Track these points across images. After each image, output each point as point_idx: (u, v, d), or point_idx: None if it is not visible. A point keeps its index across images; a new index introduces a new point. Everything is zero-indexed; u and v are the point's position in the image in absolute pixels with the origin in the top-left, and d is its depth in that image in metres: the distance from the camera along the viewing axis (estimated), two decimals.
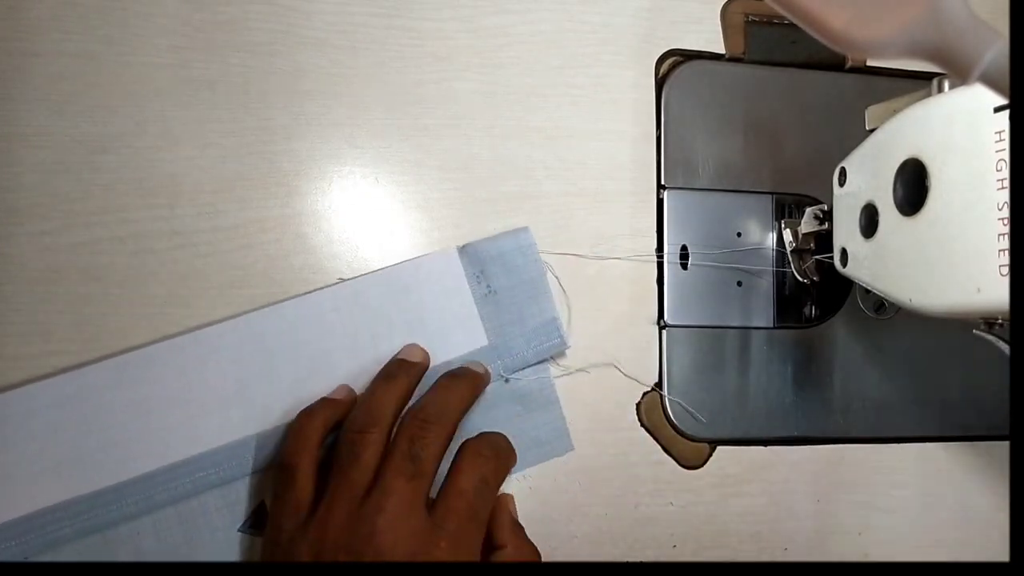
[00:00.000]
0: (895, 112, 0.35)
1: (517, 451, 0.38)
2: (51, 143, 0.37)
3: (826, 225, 0.41)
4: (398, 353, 0.38)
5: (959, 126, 0.31)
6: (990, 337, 0.32)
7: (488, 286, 0.39)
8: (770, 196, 0.45)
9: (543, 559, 0.39)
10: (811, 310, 0.45)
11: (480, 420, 0.39)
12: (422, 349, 0.38)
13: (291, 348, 0.37)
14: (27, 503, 0.34)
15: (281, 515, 0.33)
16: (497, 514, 0.36)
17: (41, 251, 0.37)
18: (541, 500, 0.40)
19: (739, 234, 0.44)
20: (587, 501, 0.40)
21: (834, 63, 0.46)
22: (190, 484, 0.36)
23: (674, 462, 0.42)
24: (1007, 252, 0.28)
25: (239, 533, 0.36)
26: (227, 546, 0.36)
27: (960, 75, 0.20)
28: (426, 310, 0.39)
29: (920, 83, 0.34)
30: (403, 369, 0.37)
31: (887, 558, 0.43)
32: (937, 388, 0.45)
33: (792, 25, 0.20)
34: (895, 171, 0.34)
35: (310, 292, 0.38)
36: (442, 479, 0.34)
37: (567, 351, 0.41)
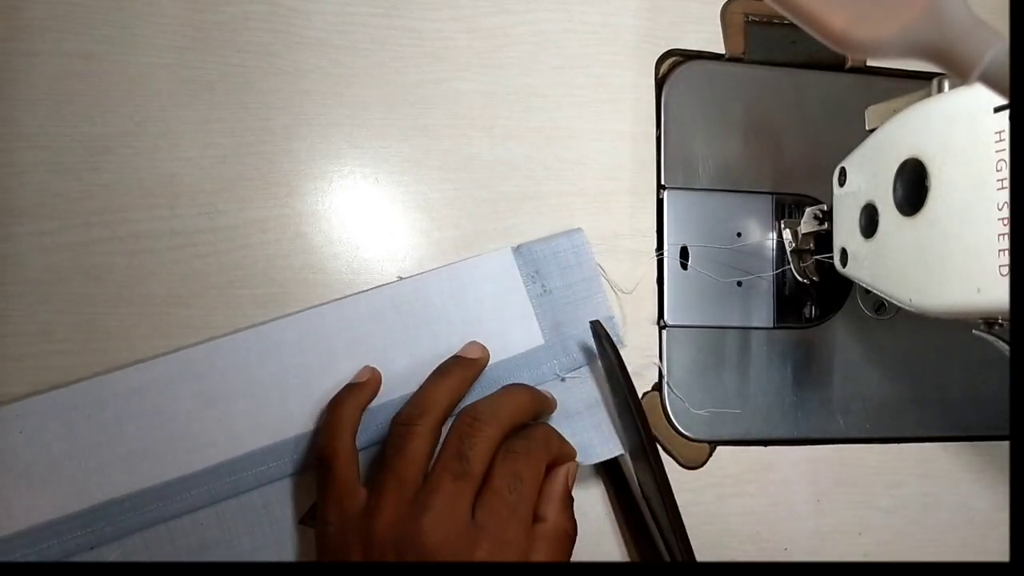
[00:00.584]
0: (895, 112, 0.35)
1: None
2: (51, 143, 0.37)
3: (826, 225, 0.41)
4: (459, 351, 0.38)
5: (959, 126, 0.31)
6: (990, 337, 0.32)
7: (543, 286, 0.40)
8: (770, 196, 0.45)
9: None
10: (811, 310, 0.45)
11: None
12: (481, 347, 0.38)
13: (351, 344, 0.38)
14: (96, 493, 0.35)
15: (326, 508, 0.33)
16: (548, 486, 0.35)
17: (41, 251, 0.37)
18: None
19: (739, 234, 0.44)
20: (587, 501, 0.40)
21: (834, 63, 0.46)
22: (252, 477, 0.36)
23: (674, 462, 0.42)
24: (1007, 252, 0.28)
25: (300, 526, 0.37)
26: (288, 538, 0.37)
27: (960, 75, 0.20)
28: (483, 309, 0.39)
29: (920, 83, 0.34)
30: (459, 364, 0.37)
31: (887, 558, 0.43)
32: (937, 388, 0.45)
33: (792, 25, 0.20)
34: (895, 171, 0.34)
35: (369, 289, 0.39)
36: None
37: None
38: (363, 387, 0.36)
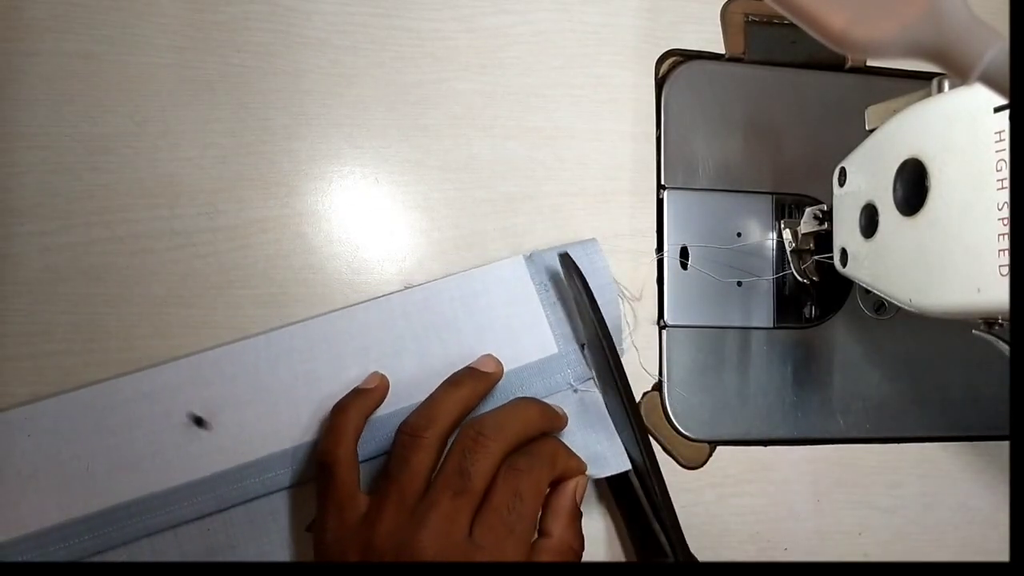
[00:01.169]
0: (895, 112, 0.35)
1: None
2: (51, 143, 0.37)
3: (826, 225, 0.41)
4: (473, 363, 0.37)
5: (959, 126, 0.31)
6: (990, 337, 0.32)
7: (557, 295, 0.40)
8: (770, 196, 0.45)
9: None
10: (811, 310, 0.45)
11: None
12: (496, 360, 0.37)
13: (360, 351, 0.37)
14: (103, 498, 0.35)
15: (326, 514, 0.33)
16: (554, 500, 0.35)
17: (41, 251, 0.37)
18: None
19: (739, 234, 0.44)
20: (587, 501, 0.40)
21: (834, 63, 0.46)
22: (260, 484, 0.36)
23: (674, 462, 0.42)
24: (1007, 252, 0.28)
25: (307, 533, 0.36)
26: (294, 545, 0.36)
27: (960, 75, 0.20)
28: (495, 318, 0.39)
29: (920, 83, 0.34)
30: (471, 376, 0.36)
31: (887, 558, 0.43)
32: (937, 388, 0.45)
33: (792, 25, 0.20)
34: (895, 171, 0.34)
35: (379, 297, 0.39)
36: None
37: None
38: (369, 393, 0.36)
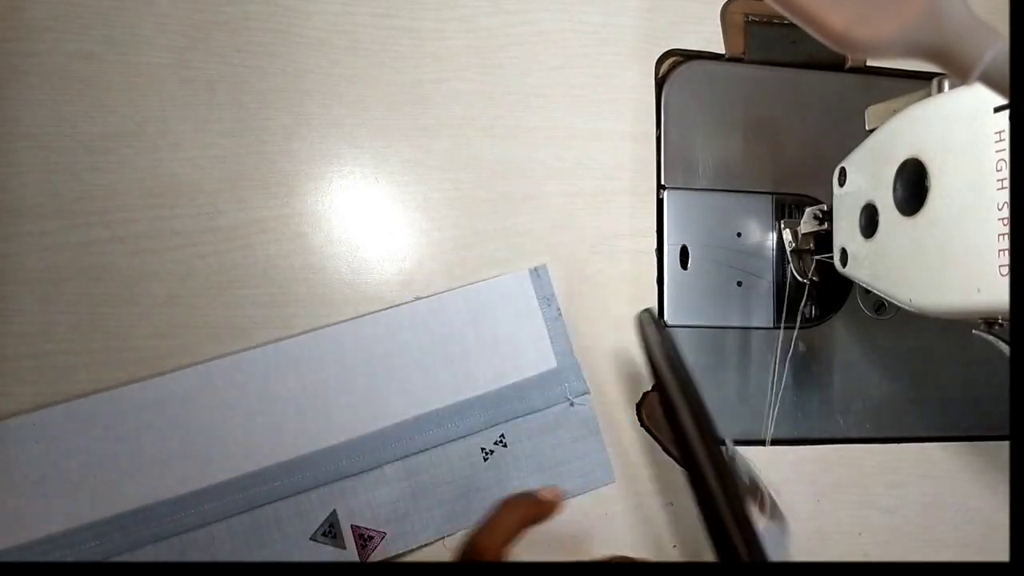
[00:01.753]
0: (895, 112, 0.35)
1: (569, 476, 0.38)
2: (51, 143, 0.37)
3: (826, 225, 0.41)
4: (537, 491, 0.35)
5: (959, 126, 0.31)
6: (990, 337, 0.32)
7: (557, 309, 0.40)
8: (770, 196, 0.45)
9: (545, 559, 0.39)
10: (811, 310, 0.45)
11: (544, 441, 0.39)
12: (557, 492, 0.34)
13: (368, 362, 0.38)
14: (110, 505, 0.35)
15: None
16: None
17: (41, 251, 0.37)
18: None
19: (739, 234, 0.44)
20: (587, 501, 0.40)
21: (834, 63, 0.46)
22: (266, 492, 0.36)
23: (674, 462, 0.42)
24: (1007, 252, 0.28)
25: (311, 541, 0.36)
26: (298, 553, 0.36)
27: (960, 75, 0.20)
28: (500, 331, 0.39)
29: (920, 83, 0.34)
30: (533, 504, 0.33)
31: (887, 558, 0.43)
32: (937, 388, 0.45)
33: (792, 25, 0.20)
34: (895, 171, 0.34)
35: (387, 308, 0.39)
36: None
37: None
38: (543, 506, 0.33)
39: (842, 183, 0.39)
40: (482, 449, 0.39)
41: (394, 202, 0.40)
